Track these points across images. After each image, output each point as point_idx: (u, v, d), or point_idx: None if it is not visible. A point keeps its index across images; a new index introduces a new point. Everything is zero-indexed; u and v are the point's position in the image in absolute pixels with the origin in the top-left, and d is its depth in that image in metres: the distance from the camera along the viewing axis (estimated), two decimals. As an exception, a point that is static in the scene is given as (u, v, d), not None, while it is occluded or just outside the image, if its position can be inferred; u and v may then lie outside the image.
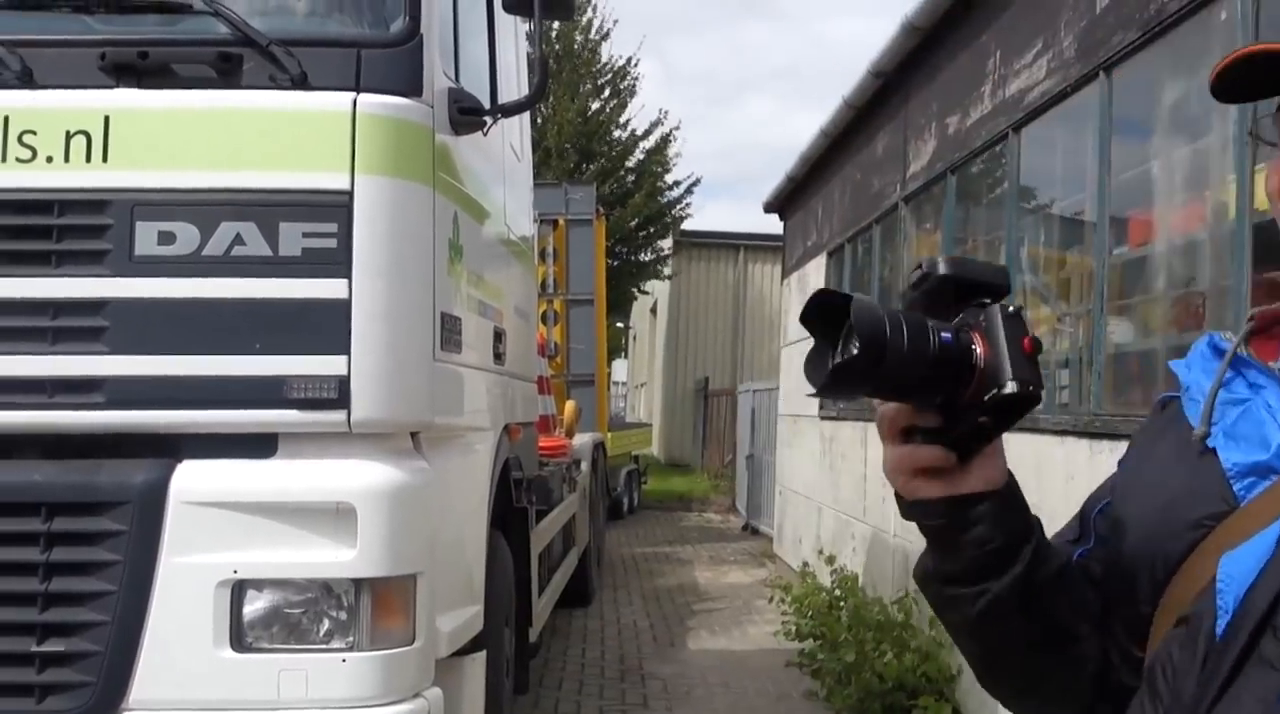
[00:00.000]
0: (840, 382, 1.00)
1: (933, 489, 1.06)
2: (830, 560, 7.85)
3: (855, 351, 0.97)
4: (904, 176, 7.82)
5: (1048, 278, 5.68)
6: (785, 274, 12.77)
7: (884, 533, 7.31)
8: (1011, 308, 1.05)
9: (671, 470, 22.62)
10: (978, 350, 1.02)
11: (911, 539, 6.34)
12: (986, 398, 1.01)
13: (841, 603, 7.17)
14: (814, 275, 10.57)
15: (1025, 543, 1.08)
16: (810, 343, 1.03)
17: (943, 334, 1.01)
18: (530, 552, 5.13)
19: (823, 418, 9.54)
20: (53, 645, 2.92)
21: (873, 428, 1.10)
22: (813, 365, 1.02)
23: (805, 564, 8.97)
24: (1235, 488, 0.99)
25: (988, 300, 1.05)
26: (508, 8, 3.80)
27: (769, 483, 13.10)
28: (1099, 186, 4.69)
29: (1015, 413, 1.03)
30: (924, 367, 0.99)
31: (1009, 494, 1.08)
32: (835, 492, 8.90)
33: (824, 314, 1.01)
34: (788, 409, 11.53)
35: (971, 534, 1.06)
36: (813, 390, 1.02)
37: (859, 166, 9.33)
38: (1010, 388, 1.00)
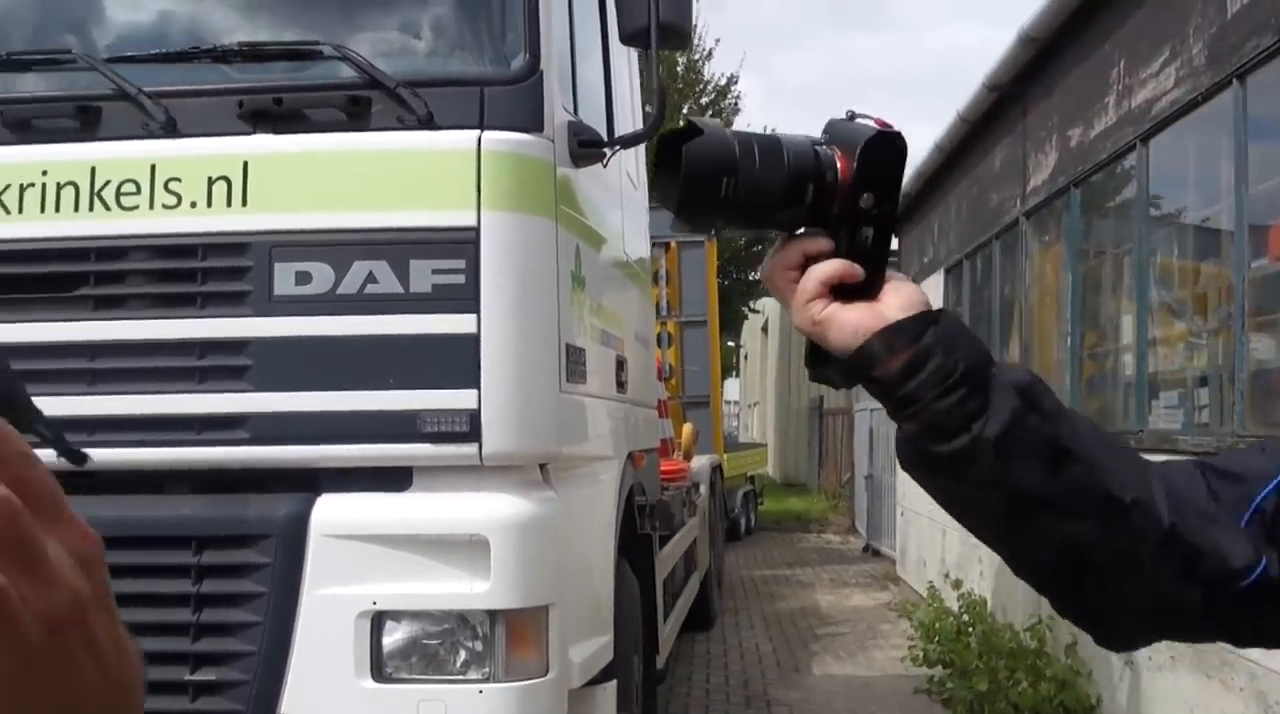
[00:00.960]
0: (692, 210, 0.98)
1: (858, 317, 0.97)
2: (957, 584, 7.66)
3: (703, 177, 0.95)
4: (1024, 191, 7.65)
5: (1181, 293, 5.48)
6: (901, 291, 12.56)
7: (1013, 556, 7.10)
8: (845, 114, 1.03)
9: (787, 491, 22.43)
10: (835, 158, 0.99)
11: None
12: (856, 163, 0.98)
13: (970, 628, 7.00)
14: (932, 293, 10.34)
15: (991, 366, 0.98)
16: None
17: (796, 148, 0.98)
18: (655, 578, 5.14)
19: (944, 437, 9.33)
20: (204, 675, 3.03)
21: None
22: (666, 194, 0.99)
23: (931, 587, 8.78)
24: None
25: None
26: (624, 39, 3.83)
27: (889, 503, 12.88)
28: (1235, 196, 4.52)
29: (887, 171, 0.99)
30: (780, 184, 0.97)
31: (949, 318, 0.99)
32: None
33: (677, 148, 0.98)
34: (907, 429, 11.32)
35: (929, 367, 0.95)
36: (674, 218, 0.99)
37: (976, 181, 9.16)
38: (868, 134, 0.98)
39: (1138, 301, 5.69)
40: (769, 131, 1.07)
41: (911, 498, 11.13)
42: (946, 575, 8.35)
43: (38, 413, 0.55)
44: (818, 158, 0.99)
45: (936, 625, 7.30)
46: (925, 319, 0.98)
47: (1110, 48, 6.00)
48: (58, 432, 0.57)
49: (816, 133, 1.04)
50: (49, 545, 0.44)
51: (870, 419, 14.83)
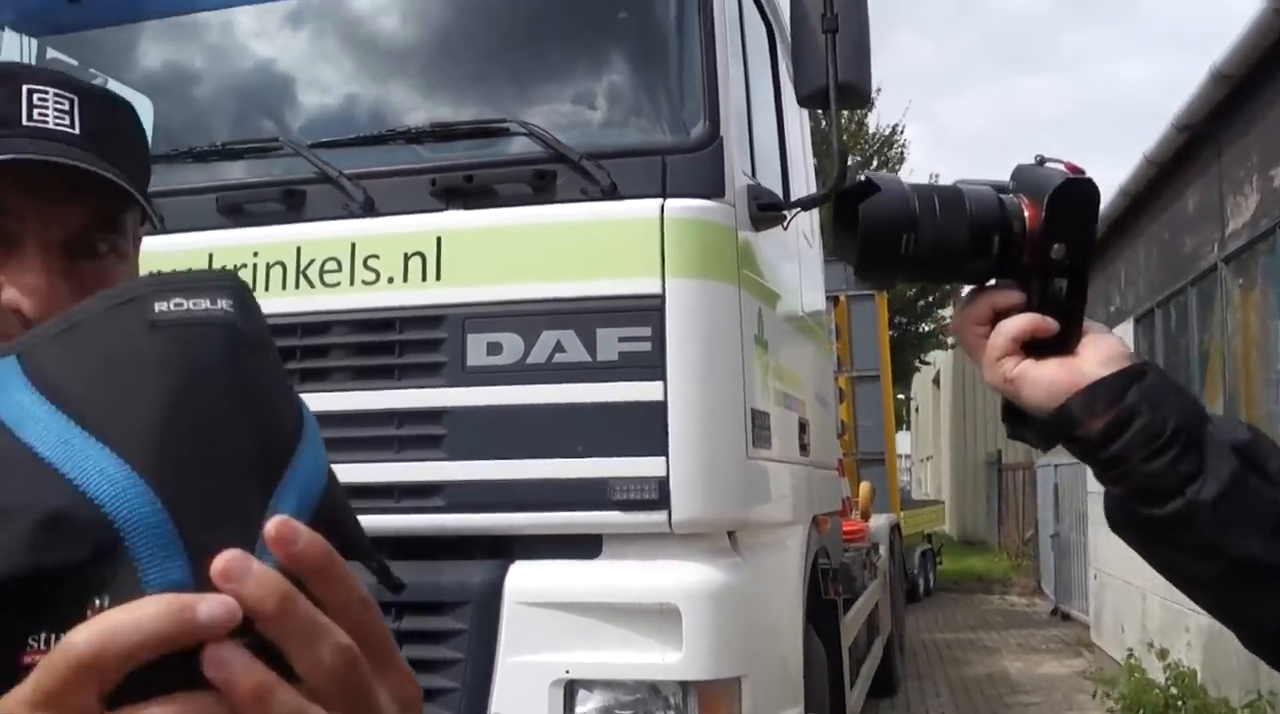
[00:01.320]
0: (872, 268, 0.94)
1: (1053, 374, 0.91)
2: (1162, 654, 7.20)
3: (881, 235, 0.92)
4: (1222, 235, 7.25)
5: None
6: (1085, 341, 12.06)
7: (1224, 624, 6.63)
8: (1034, 159, 0.97)
9: (966, 549, 21.66)
10: (1022, 206, 0.94)
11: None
12: (1045, 211, 0.92)
13: (1180, 702, 6.55)
14: (1120, 342, 9.92)
15: (1206, 424, 0.89)
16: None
17: (979, 199, 0.94)
18: (841, 644, 5.01)
19: (1140, 495, 8.85)
20: (404, 741, 3.08)
21: None
22: (845, 252, 0.96)
23: (1131, 655, 8.27)
24: None
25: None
26: (802, 101, 3.81)
27: (1079, 564, 12.26)
28: None
29: (1079, 220, 0.93)
30: (963, 237, 0.92)
31: (1156, 373, 0.91)
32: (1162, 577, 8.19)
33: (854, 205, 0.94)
34: (1099, 485, 10.80)
35: (1134, 428, 0.88)
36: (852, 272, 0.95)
37: (1166, 226, 8.74)
38: (1058, 181, 0.92)
39: (1359, 350, 5.28)
40: (934, 179, 1.06)
41: (1105, 559, 10.56)
42: (1149, 644, 7.85)
43: (366, 542, 0.56)
44: (1003, 207, 0.95)
45: (1141, 698, 6.86)
46: (1128, 375, 0.91)
47: (1316, 82, 5.66)
48: (382, 560, 0.58)
49: (987, 176, 1.01)
50: (380, 693, 0.44)
51: (1054, 475, 14.20)
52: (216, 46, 4.01)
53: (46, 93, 0.81)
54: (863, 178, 0.95)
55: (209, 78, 4.01)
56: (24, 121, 0.80)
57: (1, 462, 0.47)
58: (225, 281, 0.51)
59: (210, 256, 3.43)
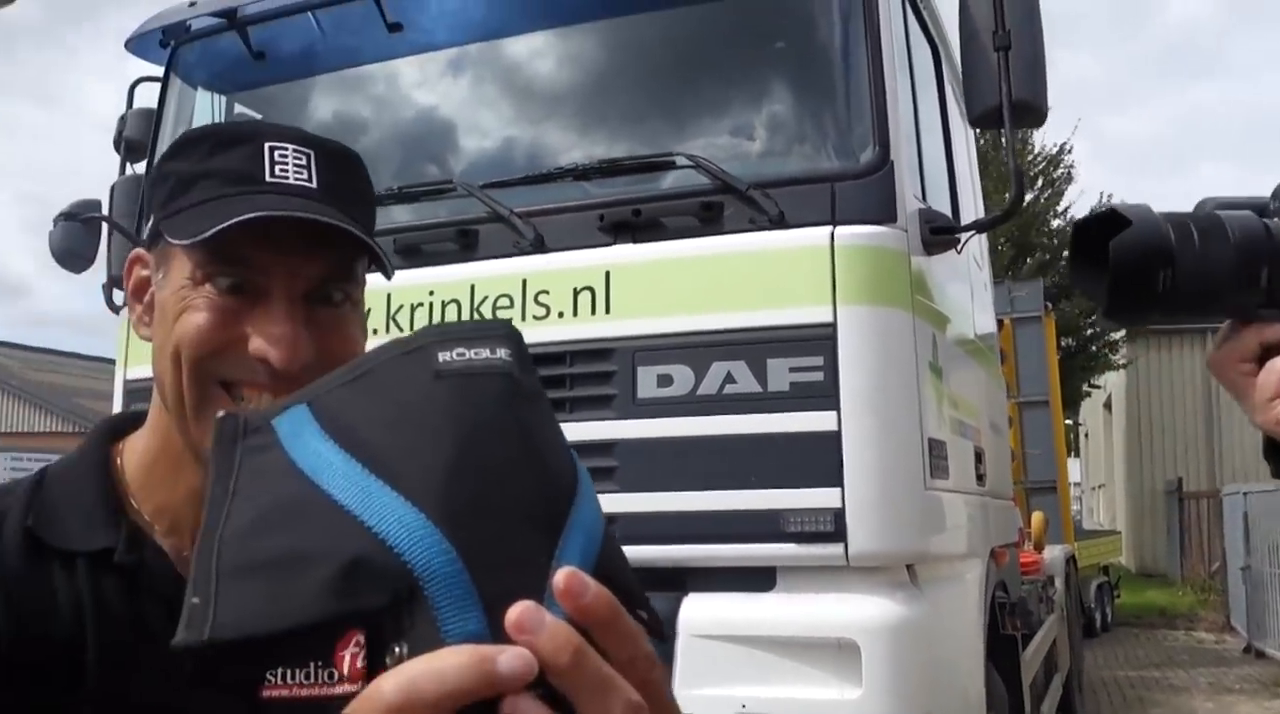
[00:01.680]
0: (1124, 307, 0.86)
1: None
2: (1376, 697, 6.66)
3: (1134, 271, 0.84)
4: None
5: None
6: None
7: None
8: None
9: (1145, 581, 20.60)
10: None
11: None
12: None
13: (1400, 751, 6.04)
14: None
15: None
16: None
17: (1241, 225, 0.85)
18: (1022, 682, 4.81)
19: (1344, 526, 8.25)
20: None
21: None
22: (1090, 291, 0.88)
23: (1338, 699, 7.68)
24: None
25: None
26: (974, 121, 3.71)
27: (1274, 598, 11.51)
28: None
29: None
30: (1227, 269, 0.84)
31: None
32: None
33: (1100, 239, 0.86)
34: (1294, 515, 10.12)
35: None
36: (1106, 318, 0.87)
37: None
38: None
39: None
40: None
41: (1304, 594, 9.88)
42: (1359, 686, 7.28)
43: (640, 593, 0.56)
44: (1269, 233, 0.87)
45: (1354, 745, 6.36)
46: None
47: None
48: (654, 612, 0.57)
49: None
50: None
51: (1243, 503, 13.40)
52: (386, 96, 4.17)
53: (286, 149, 0.85)
54: (1106, 208, 0.89)
55: (380, 125, 4.17)
56: (266, 178, 0.84)
57: (302, 508, 0.48)
58: (503, 331, 0.51)
59: (389, 296, 3.55)
